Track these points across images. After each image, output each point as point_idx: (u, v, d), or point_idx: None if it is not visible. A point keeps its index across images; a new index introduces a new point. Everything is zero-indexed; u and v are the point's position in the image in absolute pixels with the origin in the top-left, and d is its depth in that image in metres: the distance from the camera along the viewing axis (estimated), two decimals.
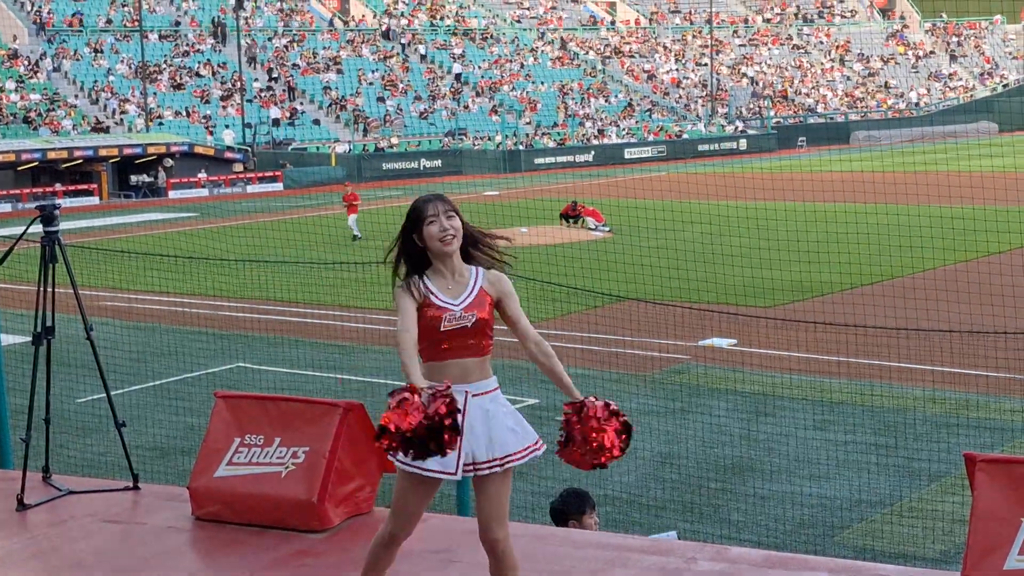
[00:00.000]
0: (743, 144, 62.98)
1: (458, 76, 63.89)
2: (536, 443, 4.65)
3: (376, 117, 58.04)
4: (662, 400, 13.86)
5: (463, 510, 7.42)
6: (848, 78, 76.57)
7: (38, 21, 57.01)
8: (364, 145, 55.03)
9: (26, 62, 54.16)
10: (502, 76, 65.32)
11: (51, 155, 44.49)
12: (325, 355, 16.57)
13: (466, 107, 61.28)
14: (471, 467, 4.57)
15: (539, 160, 55.78)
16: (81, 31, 57.80)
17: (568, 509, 6.52)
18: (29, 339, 6.58)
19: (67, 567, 5.75)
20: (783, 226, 23.98)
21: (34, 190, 43.65)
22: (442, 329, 4.54)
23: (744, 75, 73.64)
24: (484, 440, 4.55)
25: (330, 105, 58.24)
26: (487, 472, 4.56)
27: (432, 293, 4.59)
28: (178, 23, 61.18)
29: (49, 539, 6.08)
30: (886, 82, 76.23)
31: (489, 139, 58.38)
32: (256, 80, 58.32)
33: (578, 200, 32.26)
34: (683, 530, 9.81)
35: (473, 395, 4.59)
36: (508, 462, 4.55)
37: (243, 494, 6.06)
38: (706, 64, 72.19)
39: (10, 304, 15.47)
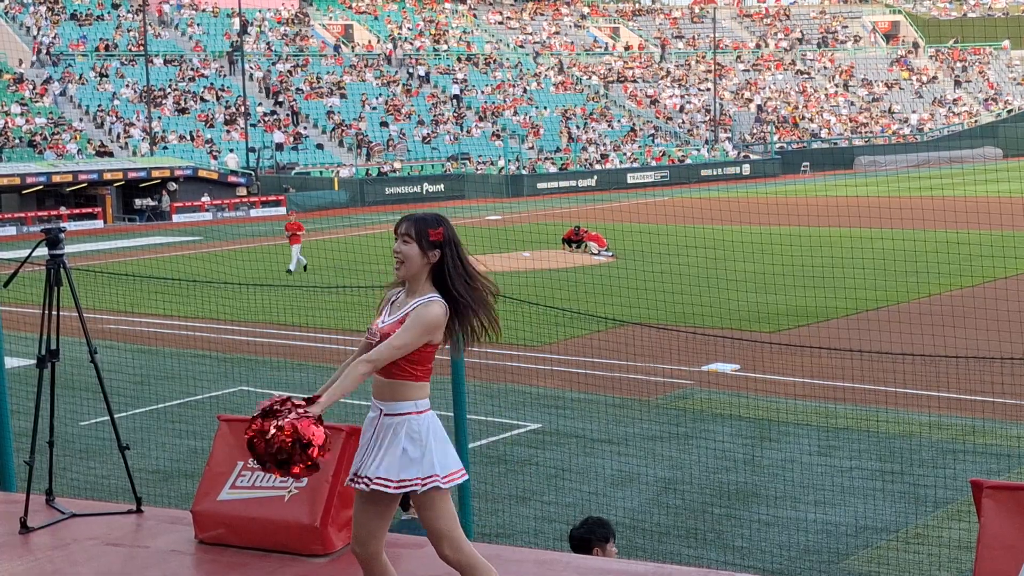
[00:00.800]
0: (746, 169, 63.09)
1: (456, 98, 64.08)
2: (419, 479, 4.59)
3: (379, 142, 58.22)
4: (665, 425, 13.82)
5: (466, 533, 7.40)
6: (852, 103, 76.75)
7: (39, 48, 57.22)
8: (367, 169, 55.16)
9: (31, 86, 54.39)
10: (505, 101, 65.53)
11: (56, 179, 44.62)
12: (328, 379, 16.54)
13: (469, 132, 61.45)
14: (355, 477, 4.70)
15: (542, 185, 55.87)
16: (86, 55, 58.08)
17: (593, 537, 6.49)
18: (33, 362, 6.59)
19: None
20: (786, 251, 23.98)
21: (39, 213, 43.77)
22: (365, 338, 4.75)
23: (749, 100, 73.84)
24: (373, 456, 4.65)
25: (333, 129, 58.42)
26: (357, 486, 4.69)
27: (386, 306, 4.76)
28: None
29: (52, 562, 6.06)
30: (890, 107, 76.41)
31: (492, 164, 58.51)
32: (260, 104, 58.53)
33: (581, 225, 32.30)
34: (686, 556, 9.77)
35: (385, 414, 4.68)
36: (377, 485, 4.61)
37: (246, 517, 6.06)
38: (709, 89, 72.41)
39: (14, 327, 15.47)
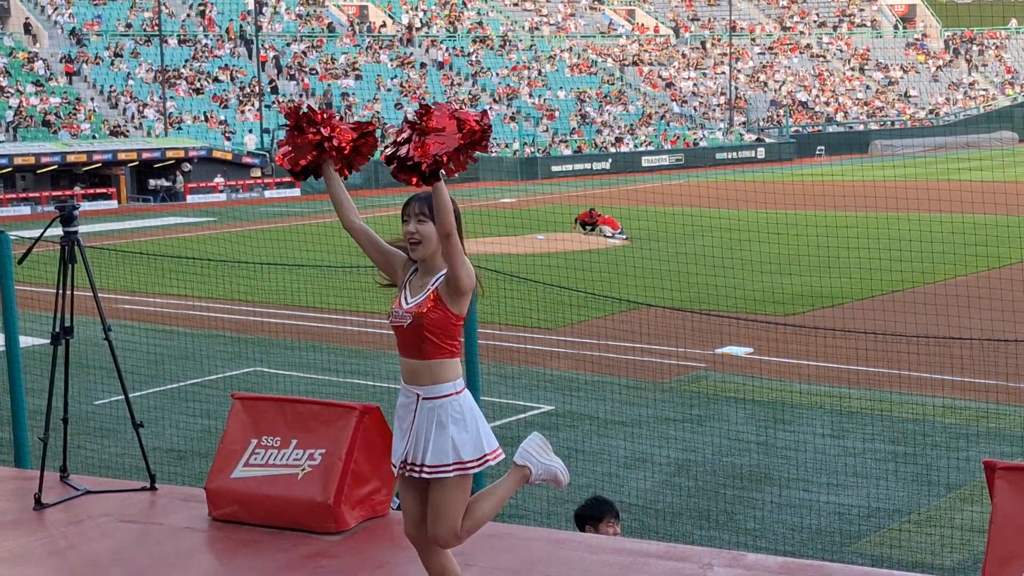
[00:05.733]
0: (761, 153, 62.88)
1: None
2: (475, 461, 4.55)
3: (394, 124, 58.13)
4: (678, 408, 13.82)
5: None
6: (867, 87, 76.36)
7: (71, 30, 57.31)
8: (382, 151, 55.10)
9: (46, 66, 54.47)
10: (520, 83, 65.38)
11: (70, 158, 44.71)
12: (342, 359, 16.59)
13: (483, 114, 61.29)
14: (405, 466, 4.59)
15: (556, 167, 55.77)
16: (101, 35, 58.13)
17: (585, 514, 6.57)
18: (47, 341, 6.62)
19: (84, 566, 5.77)
20: (801, 234, 23.93)
21: (53, 193, 43.88)
22: (388, 322, 4.64)
23: (764, 83, 73.53)
24: (423, 444, 4.53)
25: (347, 109, 58.36)
26: (418, 476, 4.56)
27: (404, 286, 4.65)
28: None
29: (66, 538, 6.10)
30: (906, 91, 76.01)
31: (506, 146, 58.43)
32: (272, 83, 58.47)
33: (596, 208, 32.25)
34: (698, 537, 9.78)
35: (423, 398, 4.55)
36: (436, 473, 4.51)
37: (259, 495, 6.08)
38: (724, 72, 72.13)
39: (29, 306, 15.54)
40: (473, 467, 4.55)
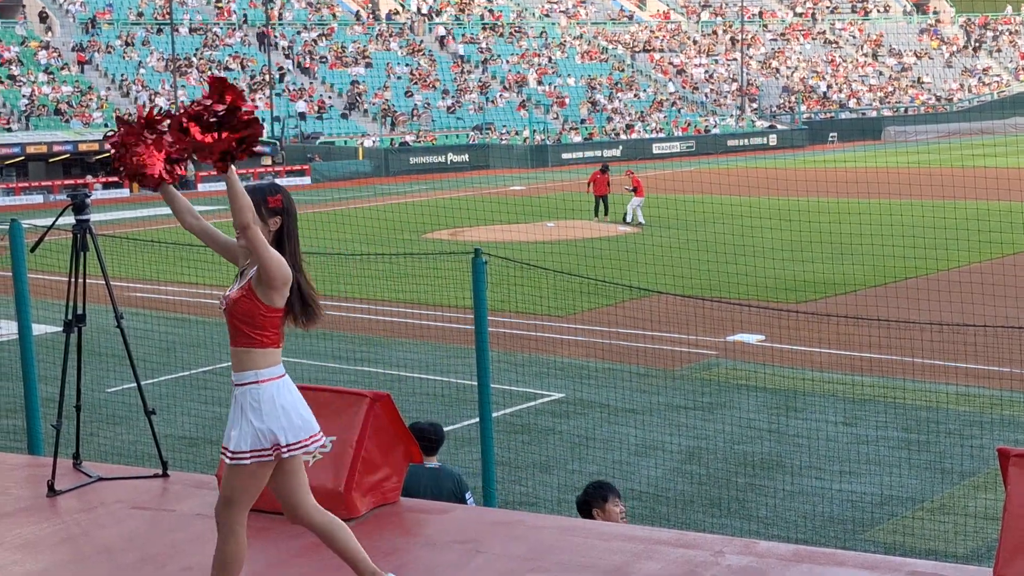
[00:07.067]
0: (773, 139, 62.69)
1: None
2: (265, 451, 4.55)
3: (404, 111, 58.10)
4: (689, 395, 13.80)
5: (489, 501, 7.43)
6: (881, 73, 76.01)
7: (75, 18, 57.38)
8: (392, 139, 55.11)
9: (57, 54, 54.54)
10: (530, 70, 65.26)
11: (82, 147, 44.80)
12: (353, 347, 16.60)
13: (493, 102, 61.24)
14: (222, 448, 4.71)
15: (566, 155, 55.71)
16: (112, 23, 58.18)
17: (590, 498, 6.55)
18: (60, 329, 6.63)
19: (96, 552, 5.79)
20: (813, 221, 23.85)
21: (65, 182, 43.98)
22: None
23: (776, 70, 73.27)
24: (230, 428, 4.62)
25: (358, 96, 58.32)
26: (222, 457, 4.67)
27: (239, 274, 4.71)
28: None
29: (79, 524, 6.12)
30: (919, 77, 75.65)
31: (516, 134, 58.35)
32: (282, 71, 58.44)
33: (608, 164, 32.52)
34: (709, 525, 9.77)
35: (234, 384, 4.64)
36: (235, 459, 4.56)
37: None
38: (736, 59, 71.89)
39: (41, 294, 15.57)
40: (242, 458, 4.55)
